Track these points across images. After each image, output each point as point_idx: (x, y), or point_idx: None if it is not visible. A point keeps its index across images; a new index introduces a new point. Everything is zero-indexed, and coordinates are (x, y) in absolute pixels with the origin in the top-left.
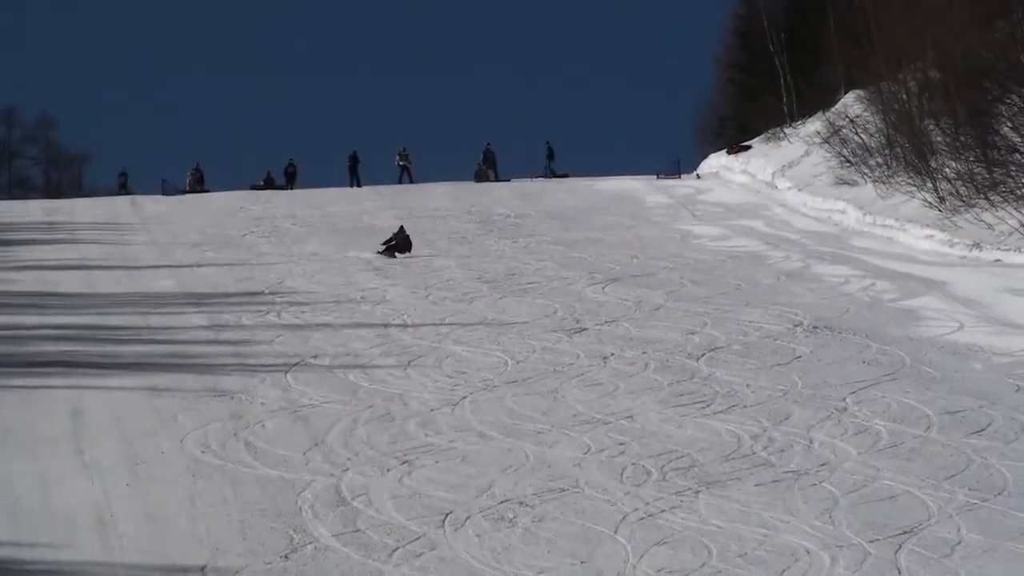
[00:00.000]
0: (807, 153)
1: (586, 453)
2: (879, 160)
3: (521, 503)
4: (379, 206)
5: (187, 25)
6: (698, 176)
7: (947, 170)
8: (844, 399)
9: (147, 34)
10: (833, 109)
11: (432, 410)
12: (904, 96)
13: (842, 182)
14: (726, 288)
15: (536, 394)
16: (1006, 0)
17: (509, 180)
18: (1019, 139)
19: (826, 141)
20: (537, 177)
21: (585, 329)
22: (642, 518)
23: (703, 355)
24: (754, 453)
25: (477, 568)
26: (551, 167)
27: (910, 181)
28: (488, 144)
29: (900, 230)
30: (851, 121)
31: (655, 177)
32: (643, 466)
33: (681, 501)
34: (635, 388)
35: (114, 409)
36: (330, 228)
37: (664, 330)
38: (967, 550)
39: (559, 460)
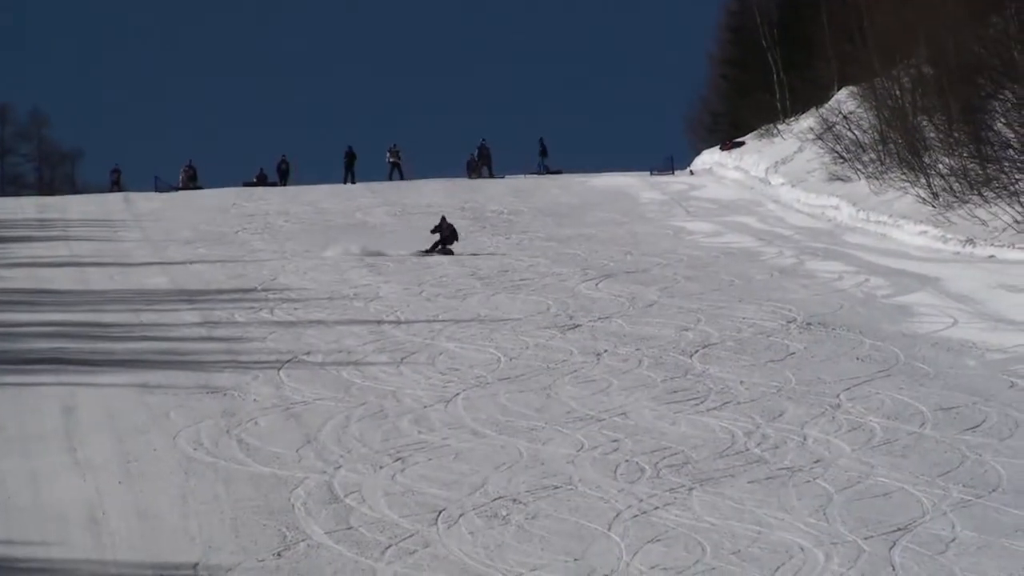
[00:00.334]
0: (800, 149)
1: (579, 450)
2: (872, 156)
3: (514, 500)
4: (372, 203)
5: (182, 22)
6: (691, 172)
7: (940, 166)
8: (838, 395)
9: (141, 31)
10: (826, 105)
11: (425, 407)
12: (897, 92)
13: (835, 178)
14: (720, 284)
15: (529, 391)
16: None
17: (504, 177)
18: (1012, 135)
19: (819, 137)
20: (531, 174)
21: (579, 326)
22: (636, 515)
23: (697, 351)
24: (748, 450)
25: (470, 565)
26: (544, 163)
27: (903, 177)
28: (483, 140)
29: (894, 226)
30: (844, 117)
31: (649, 173)
32: (637, 463)
33: (675, 498)
34: (629, 385)
35: (106, 406)
36: (323, 225)
37: (658, 326)
38: (961, 547)
39: (552, 457)
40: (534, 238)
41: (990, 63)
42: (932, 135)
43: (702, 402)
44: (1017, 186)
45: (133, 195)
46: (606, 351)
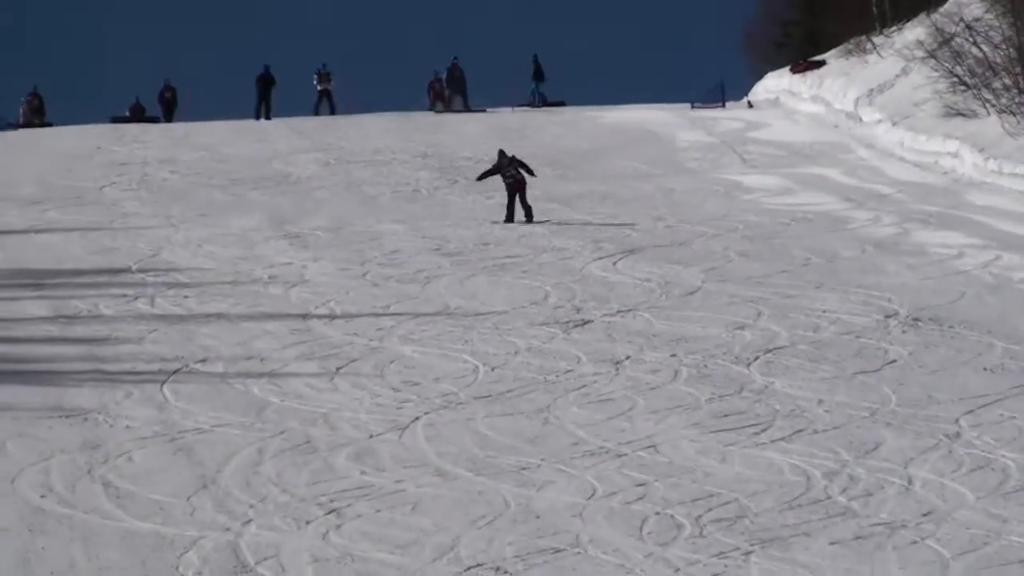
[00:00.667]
0: (905, 72)
1: (590, 498)
2: (1007, 82)
3: (497, 569)
4: (295, 146)
5: None
6: (750, 104)
7: None
8: (957, 421)
9: None
10: (942, 10)
11: (371, 437)
12: None
13: (955, 113)
14: (790, 264)
15: (519, 414)
16: None
17: (484, 110)
18: None
19: (932, 55)
20: (520, 106)
21: (589, 322)
22: None
23: (756, 359)
24: (829, 498)
25: None
26: (540, 91)
27: None
28: (454, 59)
29: None
30: (967, 26)
31: (689, 106)
32: (672, 517)
33: (725, 566)
34: (660, 406)
35: None
36: (225, 178)
37: (702, 323)
38: None
39: (552, 508)
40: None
41: None
42: None
43: (764, 430)
44: None
45: None
46: (628, 358)
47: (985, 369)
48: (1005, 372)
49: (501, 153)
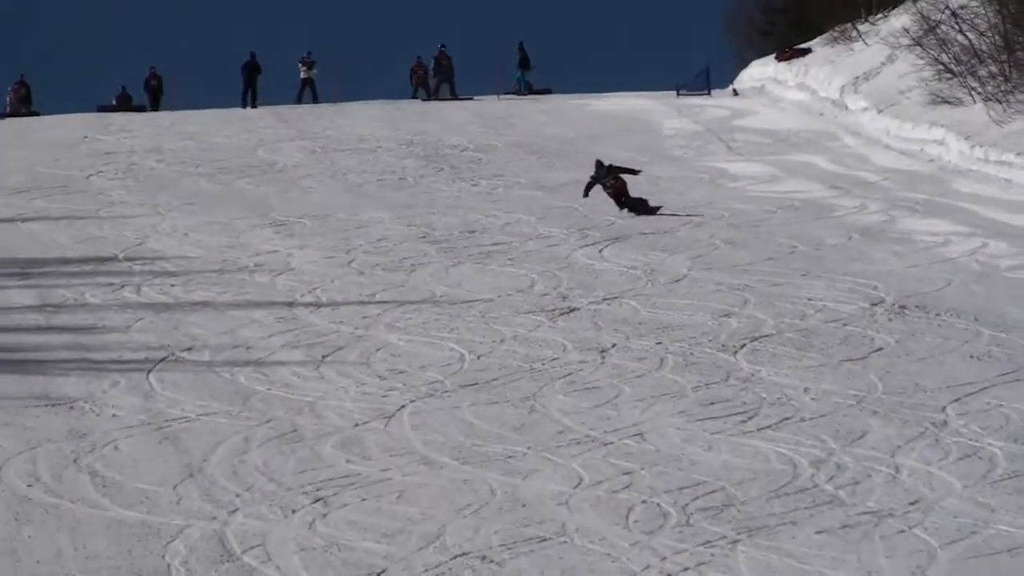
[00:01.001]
0: (890, 60)
1: (576, 487)
2: (993, 70)
3: (483, 558)
4: (281, 135)
5: None
6: (735, 92)
7: None
8: (944, 409)
9: None
10: None
11: (356, 425)
12: None
13: (940, 101)
14: (776, 251)
15: (505, 402)
16: None
17: (471, 98)
18: None
19: (917, 43)
20: (507, 93)
21: (575, 310)
22: None
23: (743, 346)
24: (816, 487)
25: None
26: (526, 79)
27: None
28: (441, 47)
29: (1023, 168)
30: (953, 14)
31: (675, 93)
32: (658, 505)
33: (712, 555)
34: (646, 394)
35: None
36: (212, 166)
37: (688, 311)
38: None
39: (538, 497)
40: (512, 185)
41: None
42: None
43: (750, 418)
44: None
45: None
46: (614, 346)
47: (972, 357)
48: (992, 360)
49: (598, 164)
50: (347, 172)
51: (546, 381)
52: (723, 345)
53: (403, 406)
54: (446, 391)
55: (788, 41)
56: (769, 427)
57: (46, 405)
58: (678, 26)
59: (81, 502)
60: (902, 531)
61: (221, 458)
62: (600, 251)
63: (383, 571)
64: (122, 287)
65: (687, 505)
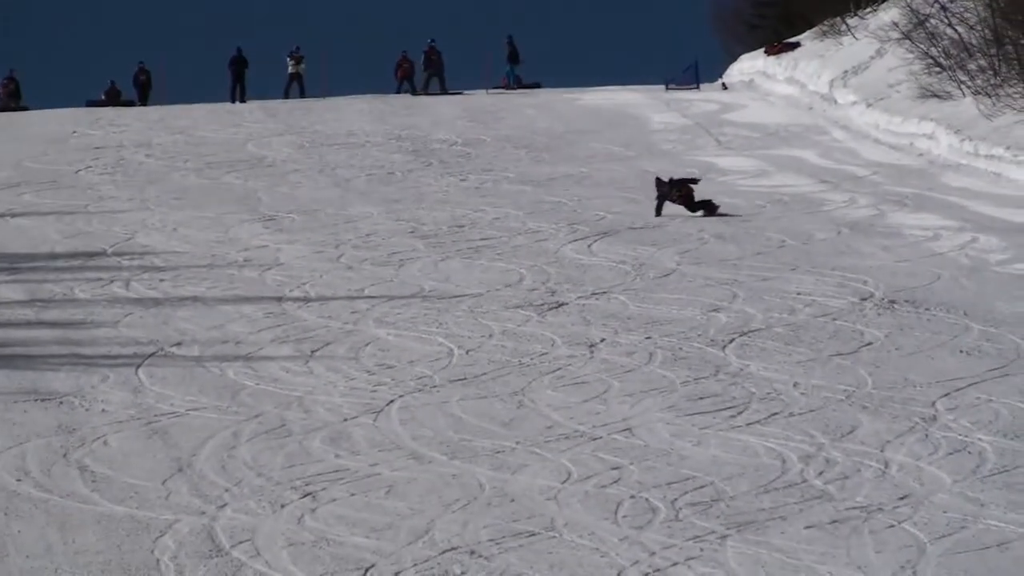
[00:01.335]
0: (879, 54)
1: (565, 481)
2: (982, 64)
3: (472, 553)
4: (269, 129)
5: None
6: (724, 86)
7: None
8: (933, 404)
9: None
10: None
11: (345, 420)
12: None
13: (930, 94)
14: (765, 246)
15: (494, 397)
16: None
17: (461, 93)
18: None
19: (907, 36)
20: (495, 88)
21: (564, 304)
22: (646, 574)
23: (732, 341)
24: (805, 481)
25: None
26: (515, 73)
27: None
28: (431, 41)
29: (1013, 163)
30: (943, 7)
31: (663, 87)
32: (646, 500)
33: (701, 550)
34: (635, 388)
35: None
36: (200, 161)
37: (677, 306)
38: None
39: (526, 491)
40: (500, 179)
41: None
42: None
43: (739, 413)
44: None
45: None
46: (603, 341)
47: (961, 351)
48: (982, 354)
49: (659, 182)
50: (336, 167)
51: (535, 376)
52: (712, 340)
53: (392, 401)
54: (435, 386)
55: (777, 35)
56: (758, 422)
57: (35, 400)
58: (667, 20)
59: (70, 497)
60: (891, 526)
61: (210, 453)
62: (589, 246)
63: (372, 566)
64: (111, 282)
65: (676, 500)
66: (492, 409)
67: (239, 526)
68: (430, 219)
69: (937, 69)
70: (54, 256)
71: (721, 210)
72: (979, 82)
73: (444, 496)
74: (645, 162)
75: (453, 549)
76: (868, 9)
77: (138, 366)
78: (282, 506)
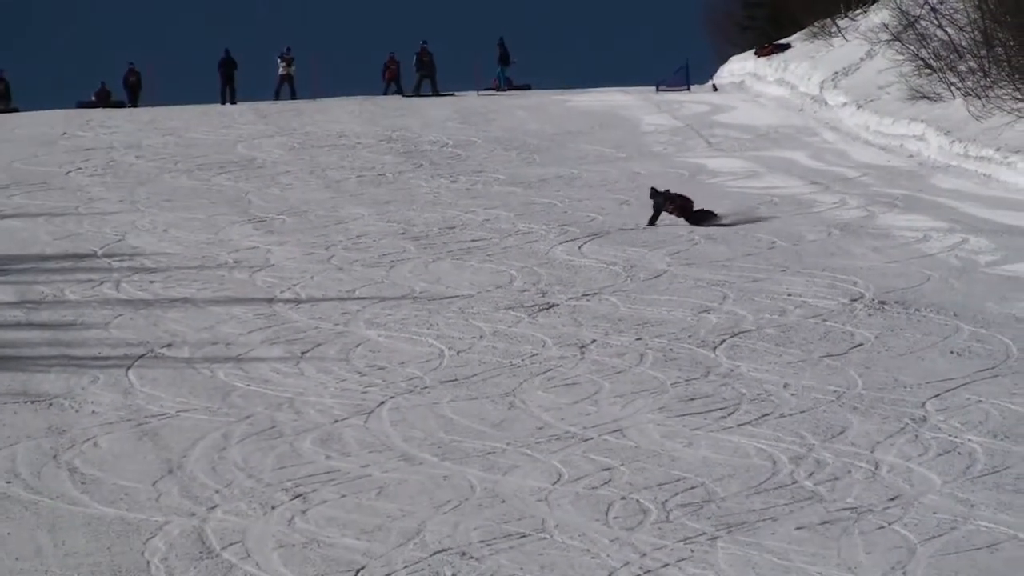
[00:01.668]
0: (869, 55)
1: (556, 483)
2: (972, 65)
3: (463, 554)
4: (259, 131)
5: None
6: (715, 87)
7: None
8: (923, 405)
9: None
10: None
11: (336, 421)
12: None
13: (920, 96)
14: (755, 247)
15: (484, 398)
16: None
17: (453, 94)
18: None
19: (896, 38)
20: (486, 90)
21: (554, 306)
22: (636, 575)
23: (722, 342)
24: (795, 482)
25: None
26: (505, 75)
27: (1017, 95)
28: (423, 43)
29: (1003, 164)
30: (932, 9)
31: (654, 89)
32: (637, 501)
33: (691, 551)
34: (626, 390)
35: None
36: (190, 162)
37: (667, 307)
38: None
39: (517, 493)
40: (491, 181)
41: None
42: None
43: (730, 414)
44: None
45: None
46: (594, 342)
47: (952, 352)
48: (972, 355)
49: (653, 192)
50: (326, 168)
51: (525, 377)
52: (703, 341)
53: (383, 402)
54: (425, 387)
55: (767, 36)
56: (749, 423)
57: (25, 401)
58: (658, 21)
59: (60, 499)
60: (882, 527)
61: (200, 454)
62: (579, 247)
63: (362, 567)
64: (101, 283)
65: (667, 501)
66: (483, 410)
67: (229, 528)
68: (421, 220)
69: (927, 71)
70: (44, 258)
71: (723, 221)
72: (969, 84)
73: (435, 497)
74: (636, 164)
75: (444, 550)
76: (858, 11)
77: (128, 367)
78: (273, 507)
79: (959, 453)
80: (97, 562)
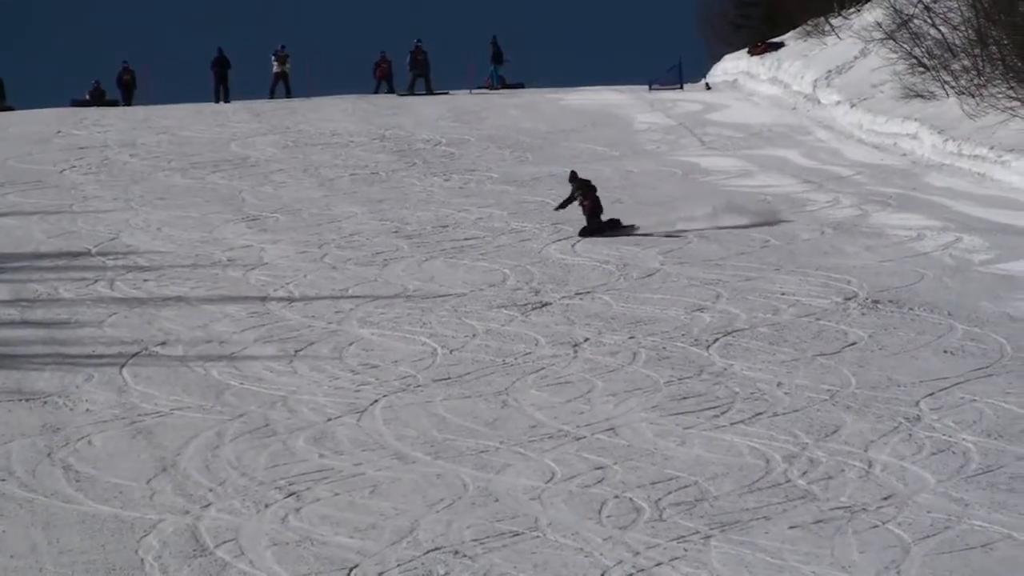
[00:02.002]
0: (863, 54)
1: (549, 481)
2: (966, 64)
3: (456, 553)
4: (253, 129)
5: None
6: (708, 86)
7: None
8: (917, 404)
9: None
10: None
11: (329, 420)
12: None
13: (913, 95)
14: (748, 245)
15: (477, 396)
16: None
17: (447, 93)
18: None
19: (890, 36)
20: (479, 88)
21: (547, 304)
22: (629, 574)
23: (716, 341)
24: (789, 481)
25: None
26: (499, 73)
27: (1011, 93)
28: (417, 42)
29: (996, 163)
30: (926, 7)
31: (647, 87)
32: (630, 500)
33: (685, 550)
34: (619, 388)
35: None
36: (184, 160)
37: (660, 305)
38: None
39: (510, 491)
40: (484, 180)
41: None
42: None
43: (723, 413)
44: None
45: None
46: (587, 340)
47: (945, 351)
48: (965, 354)
49: (573, 176)
50: (320, 167)
51: (519, 376)
52: (696, 340)
53: (376, 401)
54: (419, 386)
55: (761, 35)
56: (742, 422)
57: (20, 399)
58: (651, 20)
59: (55, 496)
60: (875, 526)
61: (194, 452)
62: (572, 246)
63: (356, 566)
64: (95, 282)
65: (660, 500)
66: (476, 409)
67: (223, 526)
68: (414, 219)
69: (921, 69)
70: (38, 256)
71: (638, 230)
72: (963, 82)
73: (428, 496)
74: (629, 162)
75: (437, 549)
76: (852, 9)
77: (122, 366)
78: (266, 506)
79: (953, 452)
80: (91, 560)
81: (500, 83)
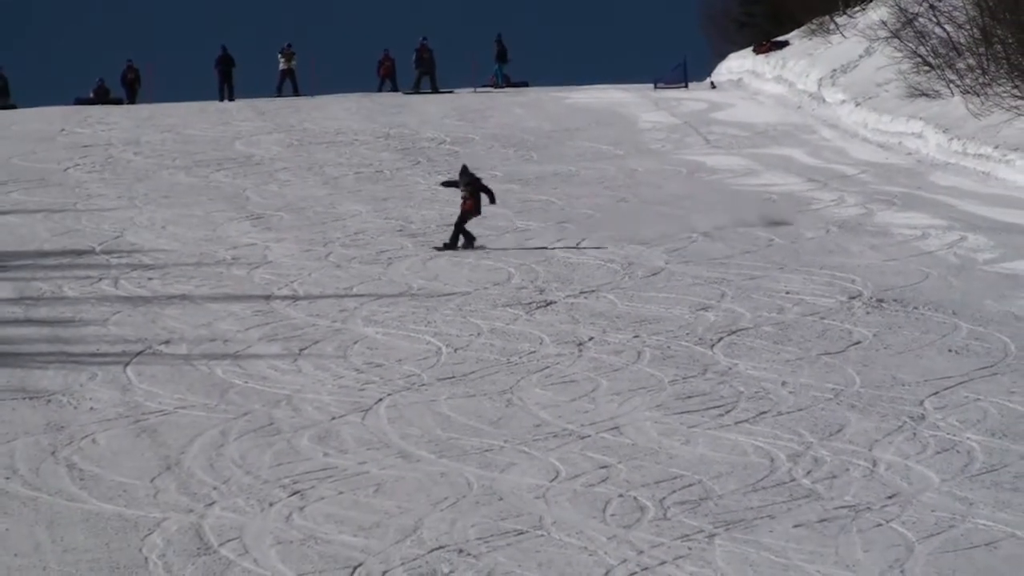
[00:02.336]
0: (868, 52)
1: (553, 480)
2: (971, 63)
3: (460, 551)
4: (258, 127)
5: None
6: (713, 85)
7: None
8: (922, 403)
9: None
10: None
11: (334, 419)
12: None
13: (918, 93)
14: (753, 244)
15: (482, 395)
16: None
17: (452, 91)
18: None
19: (895, 35)
20: (484, 87)
21: (552, 303)
22: (634, 573)
23: (720, 340)
24: (793, 480)
25: None
26: (503, 72)
27: (1016, 92)
28: (423, 40)
29: (1001, 162)
30: (931, 6)
31: (652, 86)
32: (635, 499)
33: (689, 549)
34: (623, 387)
35: None
36: (188, 159)
37: (665, 304)
38: None
39: (515, 490)
40: (489, 178)
41: None
42: None
43: (728, 412)
44: None
45: None
46: (591, 339)
47: (950, 350)
48: (970, 353)
49: (464, 170)
50: (324, 165)
51: (523, 374)
52: (700, 338)
53: (380, 399)
54: (423, 384)
55: (766, 34)
56: (747, 421)
57: (24, 398)
58: (656, 19)
59: (59, 495)
60: (879, 525)
61: (198, 451)
62: (577, 244)
63: (360, 564)
64: (99, 280)
65: (664, 499)
66: (480, 407)
67: (227, 524)
68: (418, 217)
69: (926, 68)
70: (43, 254)
71: (477, 243)
72: (968, 81)
73: (432, 494)
74: (634, 161)
75: (441, 547)
76: (857, 8)
77: (126, 364)
78: (270, 504)
79: (957, 451)
80: (95, 558)
81: (505, 82)
